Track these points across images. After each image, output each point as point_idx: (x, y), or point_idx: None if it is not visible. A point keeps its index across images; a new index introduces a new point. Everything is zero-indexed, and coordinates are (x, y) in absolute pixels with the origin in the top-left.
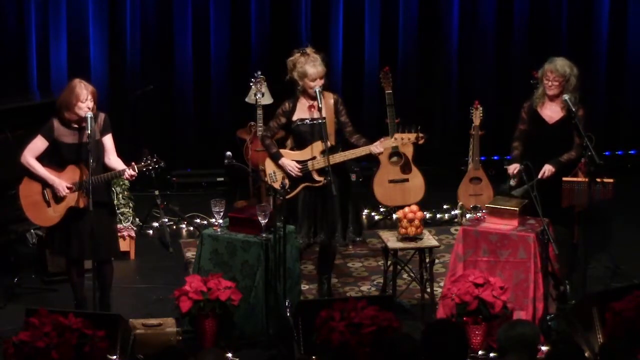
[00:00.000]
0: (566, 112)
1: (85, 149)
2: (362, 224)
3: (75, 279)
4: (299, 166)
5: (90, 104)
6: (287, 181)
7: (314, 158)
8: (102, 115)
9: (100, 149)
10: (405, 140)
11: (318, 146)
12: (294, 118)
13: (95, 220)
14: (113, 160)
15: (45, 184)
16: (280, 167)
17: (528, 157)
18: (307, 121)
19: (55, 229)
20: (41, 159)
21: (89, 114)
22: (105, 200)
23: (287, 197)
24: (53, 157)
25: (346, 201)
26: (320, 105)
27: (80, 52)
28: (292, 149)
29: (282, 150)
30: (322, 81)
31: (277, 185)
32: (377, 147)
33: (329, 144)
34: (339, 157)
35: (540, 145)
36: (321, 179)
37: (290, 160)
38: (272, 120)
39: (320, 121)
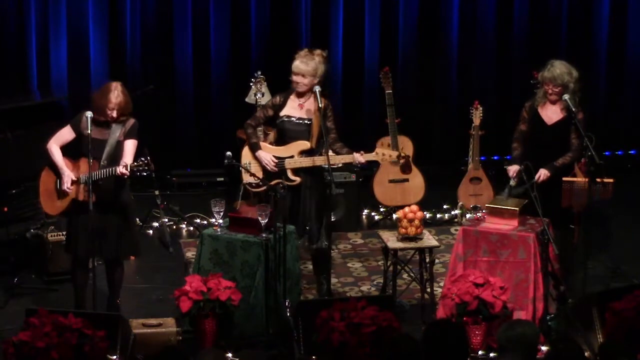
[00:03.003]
0: (566, 112)
1: (101, 145)
2: (333, 229)
3: (79, 280)
4: (276, 161)
5: (115, 114)
6: (255, 170)
7: (291, 157)
8: (131, 121)
9: (119, 150)
10: (386, 157)
11: (298, 146)
12: (282, 113)
13: (102, 218)
14: (126, 162)
15: (59, 173)
16: (257, 159)
17: (526, 157)
18: (294, 119)
19: (70, 227)
20: (65, 148)
21: (89, 114)
22: (116, 199)
23: (259, 190)
24: (75, 149)
25: (322, 205)
26: (320, 106)
27: (80, 52)
28: (271, 143)
29: (262, 144)
30: (304, 80)
31: (248, 177)
32: (360, 157)
33: (309, 145)
34: (320, 161)
35: (538, 146)
36: (296, 178)
37: (268, 154)
38: (260, 110)
39: (306, 122)
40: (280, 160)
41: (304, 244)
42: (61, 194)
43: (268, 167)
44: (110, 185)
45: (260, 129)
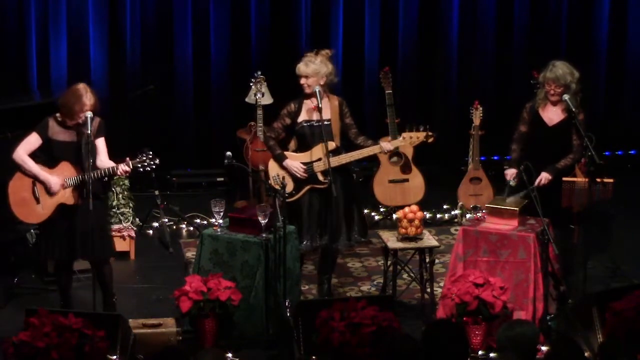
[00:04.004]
0: (566, 113)
1: (77, 147)
2: (367, 224)
3: (64, 281)
4: (304, 167)
5: (90, 114)
6: (287, 181)
7: (319, 159)
8: (97, 119)
9: (93, 150)
10: (414, 140)
11: (324, 147)
12: (299, 120)
13: (93, 219)
14: (104, 160)
15: (36, 180)
16: (285, 169)
17: (526, 158)
18: (312, 123)
19: (46, 230)
20: (33, 155)
21: (89, 114)
22: (99, 199)
23: (292, 199)
24: (45, 155)
25: (350, 203)
26: (319, 106)
27: (80, 52)
28: (294, 151)
29: (286, 153)
30: (308, 81)
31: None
32: (387, 145)
33: (333, 145)
34: (344, 158)
35: (539, 147)
36: (327, 180)
37: (295, 162)
38: (276, 121)
39: (324, 123)
40: (309, 165)
41: (344, 244)
42: (42, 199)
43: (298, 175)
44: (96, 187)
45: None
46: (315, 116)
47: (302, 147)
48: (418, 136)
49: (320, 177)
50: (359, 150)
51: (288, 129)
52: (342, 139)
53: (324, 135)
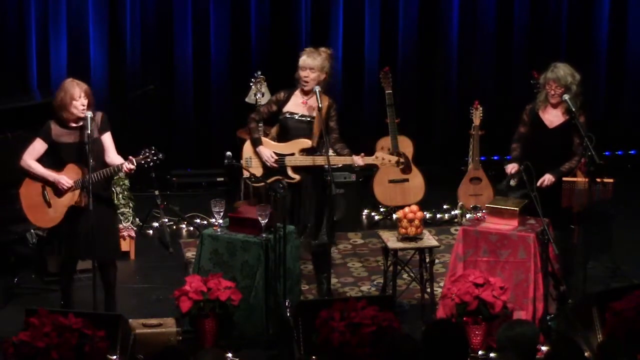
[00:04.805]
0: (567, 113)
1: (83, 148)
2: (335, 230)
3: (66, 281)
4: (276, 157)
5: (85, 101)
6: (256, 166)
7: (292, 154)
8: (99, 114)
9: (99, 147)
10: (385, 162)
11: (300, 144)
12: (285, 109)
13: (95, 219)
14: (113, 157)
15: (45, 183)
16: (258, 155)
17: (527, 159)
18: (296, 116)
19: (57, 230)
20: (40, 161)
21: (89, 114)
22: (105, 199)
23: (257, 184)
24: (51, 159)
25: (321, 203)
26: (320, 106)
27: (80, 52)
28: (274, 138)
29: (263, 139)
30: (311, 75)
31: (252, 171)
32: (359, 160)
33: (310, 144)
34: (320, 160)
35: (539, 149)
36: (296, 176)
37: (268, 150)
38: (263, 105)
39: (308, 119)
40: (281, 157)
41: (306, 244)
42: (52, 203)
43: (268, 164)
44: (101, 186)
45: (260, 126)
46: (299, 110)
47: (282, 138)
48: (390, 159)
49: (290, 172)
50: (336, 157)
51: (273, 115)
52: (320, 141)
53: (324, 134)
